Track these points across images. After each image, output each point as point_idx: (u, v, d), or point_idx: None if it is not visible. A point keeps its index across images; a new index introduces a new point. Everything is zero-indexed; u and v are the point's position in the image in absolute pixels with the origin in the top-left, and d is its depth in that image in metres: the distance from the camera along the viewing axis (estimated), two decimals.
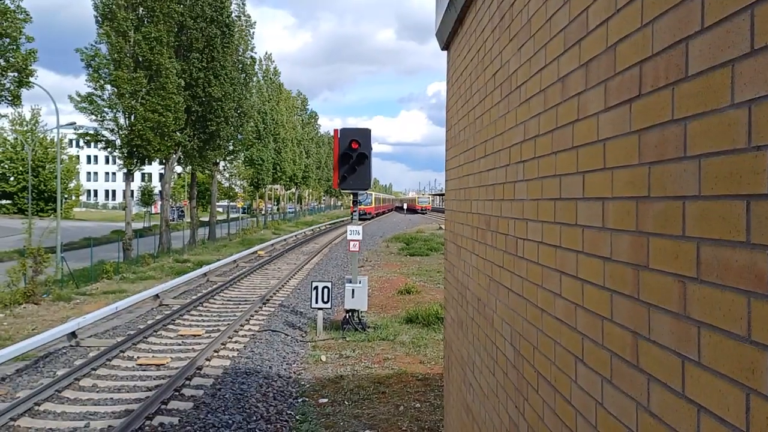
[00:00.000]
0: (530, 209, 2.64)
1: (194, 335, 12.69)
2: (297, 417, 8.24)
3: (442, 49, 5.69)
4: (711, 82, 1.23)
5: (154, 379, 9.77)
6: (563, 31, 2.20)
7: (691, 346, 1.28)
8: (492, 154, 3.48)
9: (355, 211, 14.27)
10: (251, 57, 46.72)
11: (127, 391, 9.18)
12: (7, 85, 20.63)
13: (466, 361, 4.33)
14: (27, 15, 20.65)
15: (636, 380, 1.54)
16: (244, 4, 46.77)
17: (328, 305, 13.11)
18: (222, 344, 11.63)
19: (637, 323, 1.55)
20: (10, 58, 20.27)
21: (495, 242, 3.38)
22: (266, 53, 67.45)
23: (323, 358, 11.18)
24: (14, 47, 20.35)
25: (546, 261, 2.39)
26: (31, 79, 21.32)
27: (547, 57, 2.41)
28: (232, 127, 40.24)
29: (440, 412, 8.03)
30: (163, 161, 34.52)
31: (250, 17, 47.05)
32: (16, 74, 20.73)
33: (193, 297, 17.06)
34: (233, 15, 40.61)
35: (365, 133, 12.88)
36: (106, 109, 29.87)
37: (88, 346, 11.77)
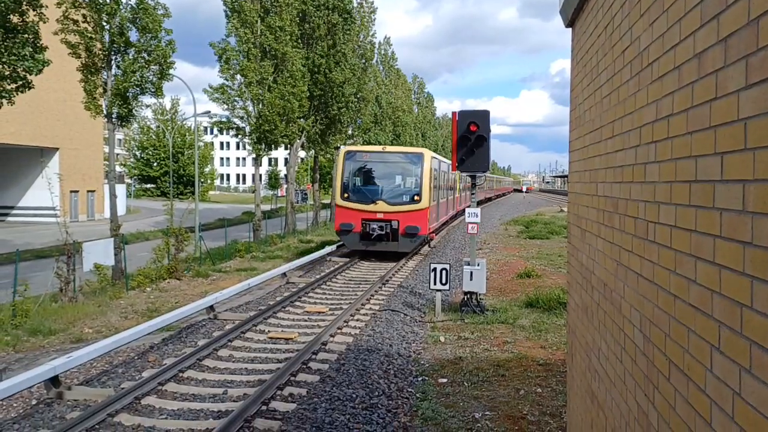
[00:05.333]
0: (663, 192, 2.54)
1: (318, 312, 13.31)
2: (417, 395, 8.44)
3: (566, 26, 5.51)
4: None
5: (283, 352, 10.39)
6: (699, 5, 2.10)
7: None
8: (620, 135, 3.37)
9: (474, 194, 14.17)
10: (371, 42, 47.42)
11: (260, 362, 9.85)
12: (151, 78, 22.42)
13: (591, 347, 4.24)
14: (166, 10, 22.24)
15: None
16: None
17: (447, 287, 13.20)
18: (345, 322, 12.11)
19: None
20: (153, 53, 22.00)
21: (623, 226, 3.28)
22: (385, 37, 67.93)
23: (442, 339, 11.31)
24: (156, 42, 22.05)
25: (679, 246, 2.30)
26: (171, 71, 23.00)
27: (681, 32, 2.31)
28: (352, 112, 41.27)
29: (562, 398, 7.89)
30: (288, 146, 36.13)
31: (372, 3, 47.75)
32: (157, 67, 22.47)
33: (317, 276, 17.84)
34: (355, 2, 41.40)
35: (484, 116, 12.75)
36: (236, 98, 31.80)
37: (225, 319, 12.72)
